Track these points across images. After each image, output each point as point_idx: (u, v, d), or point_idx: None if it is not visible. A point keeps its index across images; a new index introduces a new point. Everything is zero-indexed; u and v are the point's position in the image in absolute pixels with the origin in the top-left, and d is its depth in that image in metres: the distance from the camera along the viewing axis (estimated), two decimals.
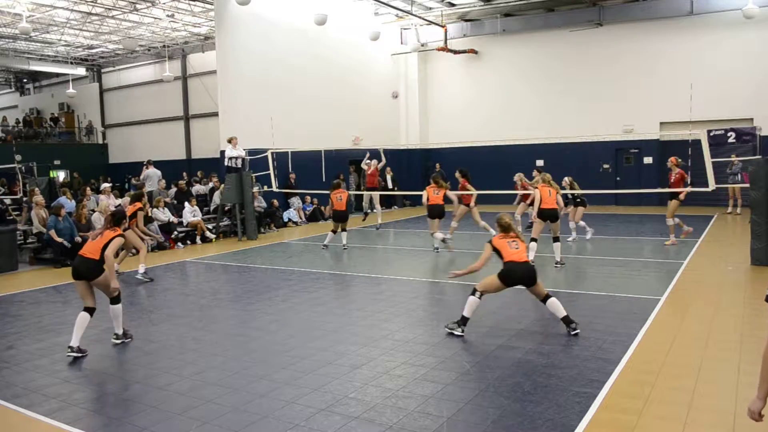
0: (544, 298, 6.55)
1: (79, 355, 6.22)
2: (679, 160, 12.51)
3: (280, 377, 5.44)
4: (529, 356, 5.84)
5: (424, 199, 12.10)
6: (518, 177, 14.42)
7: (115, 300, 6.64)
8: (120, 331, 6.78)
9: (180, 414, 4.72)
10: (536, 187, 10.46)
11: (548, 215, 10.21)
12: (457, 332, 6.55)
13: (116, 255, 6.98)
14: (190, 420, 4.60)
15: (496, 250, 6.62)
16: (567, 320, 6.47)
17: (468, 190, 12.88)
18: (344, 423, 4.45)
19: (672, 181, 12.33)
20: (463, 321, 6.58)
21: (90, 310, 6.38)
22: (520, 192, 14.22)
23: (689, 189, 12.39)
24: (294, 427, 4.42)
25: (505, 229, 6.70)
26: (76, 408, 4.93)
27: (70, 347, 6.21)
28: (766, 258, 9.86)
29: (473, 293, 6.58)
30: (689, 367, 5.42)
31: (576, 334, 6.38)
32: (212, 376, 5.56)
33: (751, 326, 6.64)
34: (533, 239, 10.18)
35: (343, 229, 13.41)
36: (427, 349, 6.14)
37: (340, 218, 13.34)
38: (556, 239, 10.43)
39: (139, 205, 10.63)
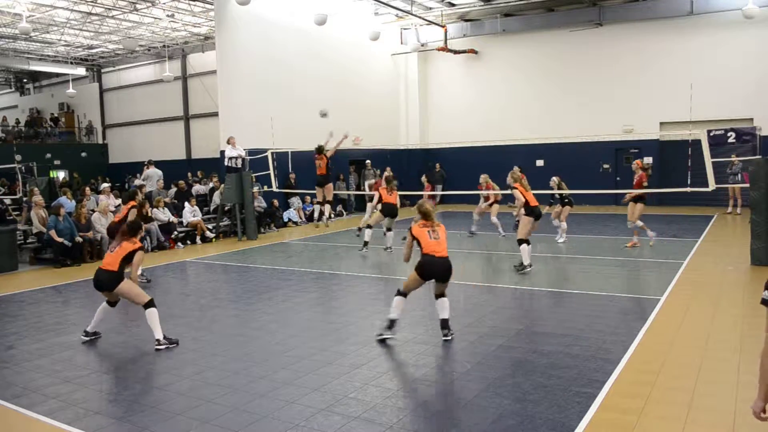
0: (438, 295, 6.45)
1: (90, 338, 6.81)
2: (644, 162, 12.69)
3: (280, 377, 5.44)
4: (529, 356, 5.83)
5: (376, 200, 12.80)
6: (484, 178, 14.35)
7: (147, 305, 6.60)
8: (159, 336, 6.51)
9: (180, 414, 4.73)
10: (514, 187, 9.99)
11: (539, 214, 9.94)
12: (387, 335, 6.36)
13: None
14: (190, 420, 4.60)
15: (416, 240, 6.45)
16: (445, 324, 6.34)
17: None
18: (344, 423, 4.45)
19: (634, 183, 12.34)
20: (390, 324, 6.38)
21: (111, 304, 6.84)
22: (483, 193, 14.20)
23: (640, 192, 12.28)
24: (294, 427, 4.42)
25: (425, 216, 6.53)
26: (76, 408, 4.93)
27: (85, 332, 6.83)
28: (766, 258, 9.86)
29: (397, 293, 6.46)
30: (689, 367, 5.42)
31: (448, 341, 6.26)
32: (212, 376, 5.56)
33: (751, 326, 6.64)
34: (525, 241, 9.80)
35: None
36: (427, 349, 6.14)
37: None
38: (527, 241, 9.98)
39: (133, 203, 10.13)
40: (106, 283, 6.61)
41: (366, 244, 12.61)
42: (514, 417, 4.48)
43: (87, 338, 6.84)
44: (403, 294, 6.46)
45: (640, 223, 12.20)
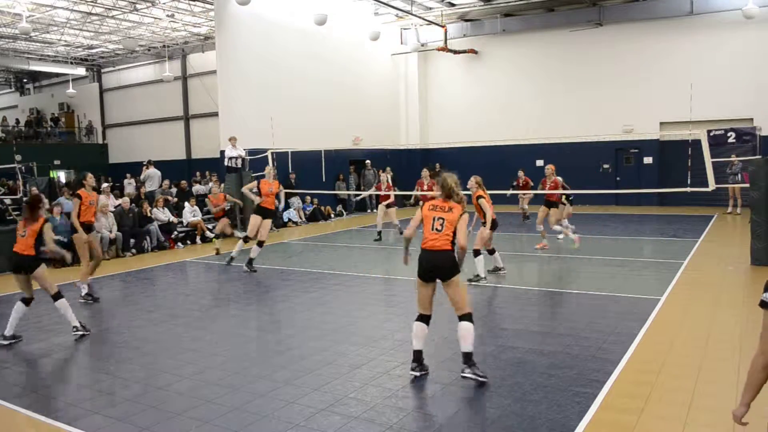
0: (460, 316, 5.17)
1: (9, 342, 6.76)
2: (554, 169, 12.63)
3: (280, 377, 5.44)
4: (529, 356, 5.83)
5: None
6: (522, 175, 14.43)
7: (56, 297, 6.88)
8: (75, 324, 6.96)
9: (180, 414, 4.73)
10: (482, 196, 9.00)
11: (496, 224, 9.20)
12: (417, 373, 5.25)
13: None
14: (190, 420, 4.60)
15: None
16: (466, 358, 5.11)
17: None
18: (344, 423, 4.45)
19: (548, 187, 12.23)
20: (415, 357, 5.31)
21: (26, 301, 6.86)
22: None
23: (561, 192, 12.36)
24: (294, 427, 4.42)
25: (445, 194, 5.30)
26: (76, 408, 4.93)
27: (3, 336, 6.78)
28: (766, 258, 9.86)
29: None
30: (689, 367, 5.42)
31: (468, 378, 5.09)
32: (212, 376, 5.56)
33: (751, 326, 6.63)
34: (480, 251, 9.15)
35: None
36: (427, 350, 6.13)
37: None
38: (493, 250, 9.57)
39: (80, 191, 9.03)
40: (25, 266, 6.79)
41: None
42: (514, 417, 4.48)
43: (6, 342, 6.74)
44: (419, 317, 5.27)
45: (558, 227, 12.21)
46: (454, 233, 5.16)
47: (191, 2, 20.50)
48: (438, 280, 5.22)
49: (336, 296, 9.14)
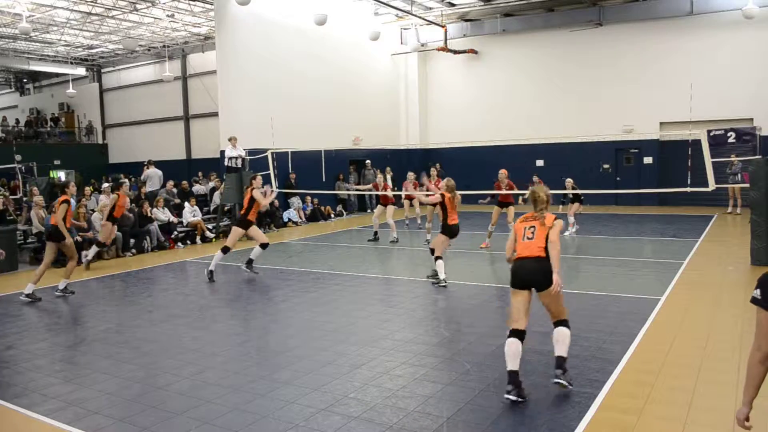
0: (555, 321, 5.11)
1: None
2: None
3: (280, 377, 5.44)
4: (529, 356, 5.82)
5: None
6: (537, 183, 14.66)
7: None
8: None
9: (180, 414, 4.73)
10: (442, 194, 9.07)
11: (456, 232, 9.20)
12: (513, 397, 4.71)
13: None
14: (190, 420, 4.60)
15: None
16: (559, 363, 4.96)
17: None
18: (344, 423, 4.45)
19: (503, 191, 12.54)
20: (510, 378, 4.77)
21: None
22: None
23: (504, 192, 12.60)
24: (294, 427, 4.42)
25: (534, 204, 5.21)
26: (76, 408, 4.93)
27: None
28: (766, 258, 9.86)
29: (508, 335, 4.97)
30: (689, 367, 5.42)
31: (560, 384, 4.88)
32: (212, 376, 5.56)
33: (751, 326, 6.60)
34: (439, 257, 9.12)
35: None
36: (427, 349, 6.14)
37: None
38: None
39: (64, 197, 9.45)
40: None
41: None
42: (514, 417, 4.48)
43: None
44: (513, 333, 4.85)
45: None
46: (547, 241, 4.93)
47: (191, 2, 20.50)
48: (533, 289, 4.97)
49: (336, 296, 9.14)
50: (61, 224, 9.02)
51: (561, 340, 4.99)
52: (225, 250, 10.46)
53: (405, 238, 15.04)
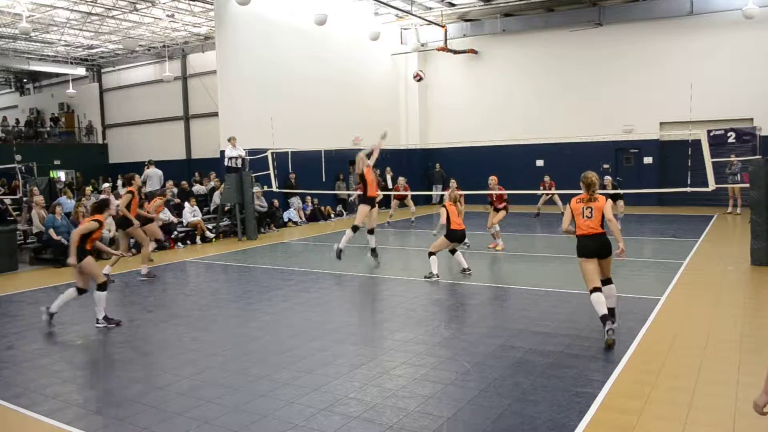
0: (605, 281, 6.30)
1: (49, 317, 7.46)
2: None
3: (280, 377, 5.44)
4: (529, 356, 5.83)
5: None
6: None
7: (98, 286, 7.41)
8: (99, 316, 7.40)
9: (180, 414, 4.73)
10: (444, 206, 9.65)
11: (459, 236, 9.70)
12: (609, 335, 5.93)
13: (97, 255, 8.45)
14: (190, 420, 4.60)
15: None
16: (611, 313, 6.17)
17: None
18: (344, 423, 4.45)
19: (495, 197, 12.53)
20: (604, 319, 6.03)
21: (80, 291, 7.51)
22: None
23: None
24: (294, 427, 4.42)
25: (587, 187, 6.29)
26: (76, 408, 4.93)
27: (47, 308, 7.51)
28: (766, 258, 9.86)
29: (590, 292, 6.18)
30: (689, 367, 5.42)
31: (612, 337, 5.92)
32: (212, 376, 5.56)
33: (751, 326, 6.64)
34: (434, 254, 9.66)
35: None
36: (427, 349, 6.14)
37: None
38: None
39: (129, 188, 10.46)
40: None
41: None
42: (514, 417, 4.48)
43: (47, 316, 7.49)
44: (594, 290, 6.14)
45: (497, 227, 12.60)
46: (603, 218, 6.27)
47: (191, 2, 20.50)
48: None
49: (336, 296, 9.14)
50: (126, 212, 10.04)
51: (612, 295, 6.41)
52: (354, 228, 10.63)
53: (404, 237, 15.03)
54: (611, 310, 6.23)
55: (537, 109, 22.73)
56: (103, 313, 7.39)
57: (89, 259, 7.39)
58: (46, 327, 7.42)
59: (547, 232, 15.05)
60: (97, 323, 7.36)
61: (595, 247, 6.21)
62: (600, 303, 6.09)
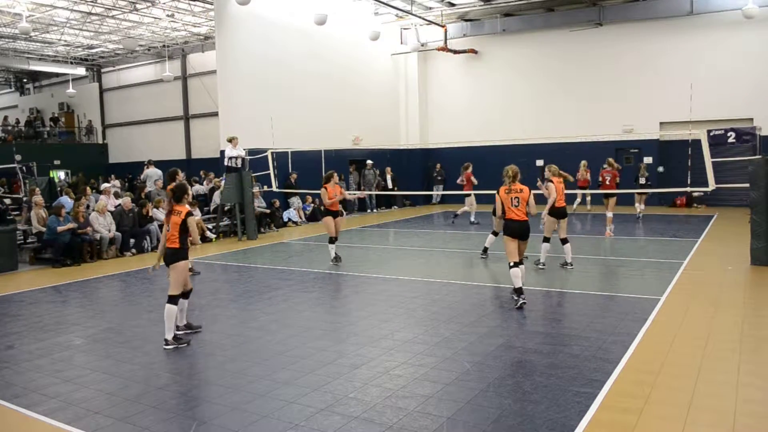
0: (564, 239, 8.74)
1: (178, 345, 6.46)
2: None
3: (280, 377, 5.44)
4: (529, 356, 5.83)
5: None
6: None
7: (170, 299, 6.56)
8: (168, 336, 6.47)
9: (180, 414, 4.73)
10: (550, 180, 10.13)
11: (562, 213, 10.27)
12: (521, 300, 7.53)
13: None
14: (190, 420, 4.60)
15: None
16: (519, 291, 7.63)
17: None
18: (344, 423, 4.45)
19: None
20: (518, 291, 7.61)
21: (184, 295, 6.74)
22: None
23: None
24: (294, 427, 4.42)
25: (512, 178, 7.75)
26: (76, 408, 4.93)
27: (165, 340, 6.46)
28: (766, 258, 9.86)
29: (510, 266, 7.67)
30: (689, 367, 5.42)
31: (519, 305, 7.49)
32: (212, 376, 5.56)
33: (751, 326, 6.64)
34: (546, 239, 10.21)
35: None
36: (427, 349, 6.14)
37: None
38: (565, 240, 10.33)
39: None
40: (168, 259, 6.69)
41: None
42: (514, 417, 4.48)
43: (188, 331, 6.85)
44: (515, 264, 7.66)
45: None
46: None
47: (191, 2, 20.50)
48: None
49: (336, 296, 9.14)
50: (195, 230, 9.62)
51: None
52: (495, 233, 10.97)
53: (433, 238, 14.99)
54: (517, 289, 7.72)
55: (537, 109, 22.73)
56: (172, 333, 6.52)
57: (186, 264, 6.76)
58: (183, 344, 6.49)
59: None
60: (167, 344, 6.47)
61: (520, 230, 7.67)
62: (517, 276, 7.57)
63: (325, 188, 11.18)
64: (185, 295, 6.82)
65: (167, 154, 26.39)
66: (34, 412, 4.87)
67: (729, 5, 19.30)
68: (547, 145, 20.69)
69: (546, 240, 10.18)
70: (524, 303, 7.54)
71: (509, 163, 11.90)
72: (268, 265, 11.76)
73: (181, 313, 6.87)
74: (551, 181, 10.05)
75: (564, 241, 10.24)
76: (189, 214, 6.63)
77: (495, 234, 10.99)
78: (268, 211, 16.98)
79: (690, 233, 14.00)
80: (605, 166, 15.66)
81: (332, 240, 11.32)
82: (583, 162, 18.47)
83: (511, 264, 7.63)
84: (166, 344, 6.44)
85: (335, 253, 11.39)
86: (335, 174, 11.67)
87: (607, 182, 15.07)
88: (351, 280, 10.16)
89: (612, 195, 14.46)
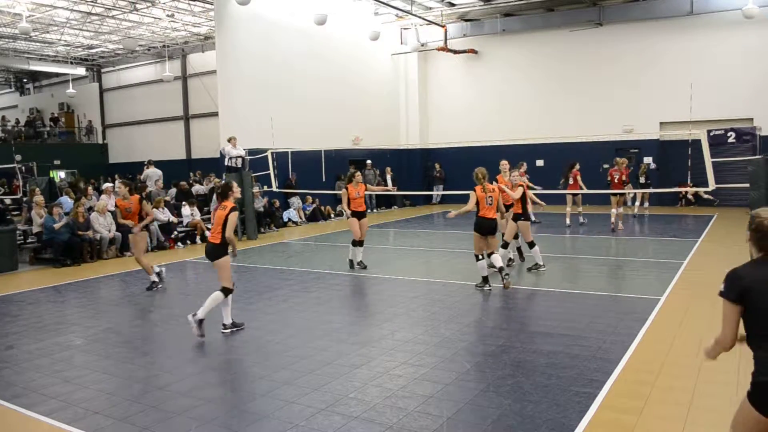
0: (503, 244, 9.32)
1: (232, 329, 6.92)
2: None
3: (280, 377, 5.44)
4: (529, 356, 5.83)
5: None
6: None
7: (223, 290, 6.80)
8: (226, 321, 6.96)
9: (180, 414, 4.73)
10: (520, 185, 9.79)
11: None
12: (486, 289, 8.47)
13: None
14: (190, 420, 4.60)
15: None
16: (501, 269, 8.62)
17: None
18: (344, 423, 4.45)
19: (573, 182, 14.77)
20: (485, 280, 8.53)
21: (225, 291, 6.82)
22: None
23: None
24: (294, 427, 4.42)
25: (483, 179, 8.49)
26: (76, 408, 4.93)
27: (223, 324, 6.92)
28: None
29: (477, 259, 8.56)
30: (689, 367, 5.42)
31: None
32: (212, 376, 5.56)
33: None
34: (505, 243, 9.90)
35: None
36: (427, 349, 6.14)
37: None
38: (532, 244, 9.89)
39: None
40: (209, 254, 6.89)
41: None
42: (514, 417, 4.48)
43: (228, 331, 6.96)
44: (481, 257, 8.59)
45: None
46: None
47: (191, 2, 20.50)
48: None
49: (336, 296, 9.14)
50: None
51: (500, 257, 8.87)
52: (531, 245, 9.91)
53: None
54: (500, 268, 8.61)
55: (537, 109, 22.72)
56: (230, 318, 6.97)
57: (227, 259, 6.84)
58: (198, 334, 6.65)
59: (547, 232, 15.03)
60: (224, 328, 6.92)
61: (489, 227, 8.46)
62: (483, 268, 8.53)
63: (347, 189, 10.58)
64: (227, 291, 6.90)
65: (167, 154, 26.38)
66: (34, 412, 4.87)
67: (729, 5, 19.29)
68: (547, 145, 20.69)
69: (505, 246, 9.85)
70: (490, 290, 8.48)
71: (509, 163, 11.92)
72: (268, 265, 11.76)
73: (226, 308, 7.01)
74: (521, 185, 9.68)
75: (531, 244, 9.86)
76: (234, 209, 6.83)
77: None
78: (261, 210, 16.94)
79: (690, 233, 14.00)
80: (614, 165, 15.60)
81: (356, 243, 10.71)
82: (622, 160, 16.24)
83: (479, 257, 8.51)
84: (224, 328, 6.92)
85: (360, 259, 10.73)
86: (358, 173, 10.92)
87: (616, 180, 14.94)
88: (351, 280, 10.16)
89: (621, 193, 14.71)
